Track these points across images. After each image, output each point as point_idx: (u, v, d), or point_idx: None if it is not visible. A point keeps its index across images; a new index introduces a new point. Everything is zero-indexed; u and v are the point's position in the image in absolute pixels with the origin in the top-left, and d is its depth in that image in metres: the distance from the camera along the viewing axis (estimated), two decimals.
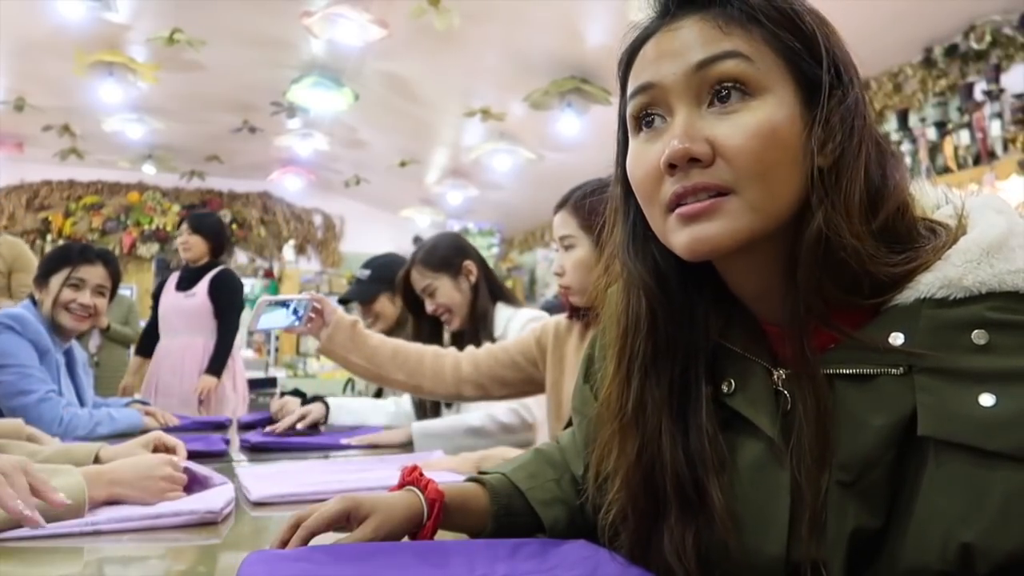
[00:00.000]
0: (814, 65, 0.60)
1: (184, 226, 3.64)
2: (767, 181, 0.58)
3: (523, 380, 1.71)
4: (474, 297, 2.05)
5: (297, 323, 1.62)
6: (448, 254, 2.08)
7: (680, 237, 0.60)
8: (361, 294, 2.50)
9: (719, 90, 0.59)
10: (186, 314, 3.54)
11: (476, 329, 2.02)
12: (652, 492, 0.66)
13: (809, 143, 0.59)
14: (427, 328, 2.13)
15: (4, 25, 4.31)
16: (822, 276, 0.58)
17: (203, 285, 3.57)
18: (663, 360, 0.66)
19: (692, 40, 0.60)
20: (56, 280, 2.09)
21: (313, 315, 1.64)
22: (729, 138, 0.58)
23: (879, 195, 0.59)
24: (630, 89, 0.64)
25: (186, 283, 3.58)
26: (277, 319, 1.63)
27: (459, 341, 2.06)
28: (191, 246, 3.56)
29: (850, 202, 0.58)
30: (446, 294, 2.05)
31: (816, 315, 0.59)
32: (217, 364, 3.46)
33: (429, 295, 2.07)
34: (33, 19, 4.35)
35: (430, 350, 1.73)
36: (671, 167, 0.59)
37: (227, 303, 3.57)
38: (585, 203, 1.48)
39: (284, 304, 1.64)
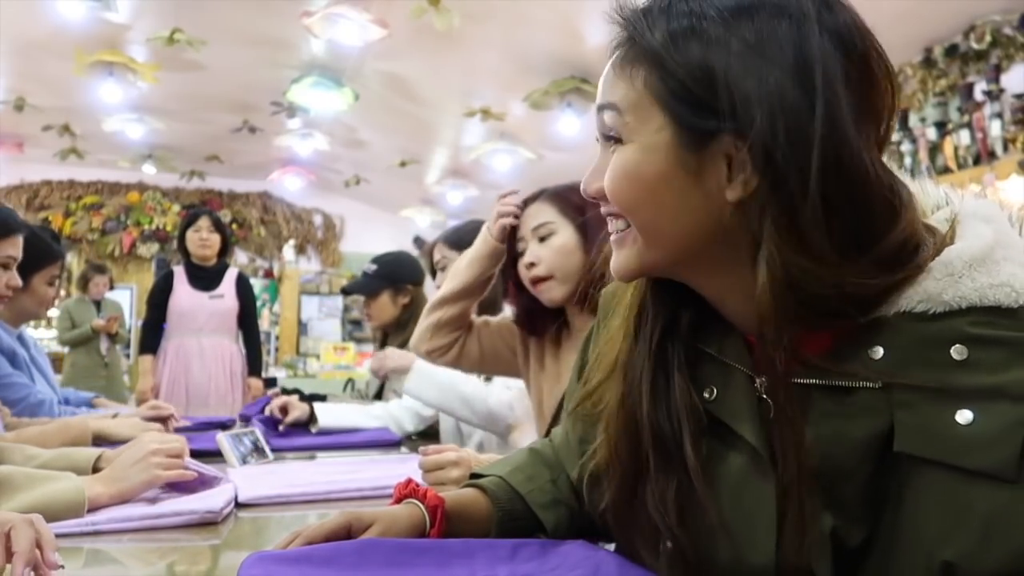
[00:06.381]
0: (704, 105, 0.57)
1: (204, 222, 3.52)
2: (646, 217, 0.61)
3: (509, 358, 1.65)
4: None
5: (269, 455, 1.56)
6: (471, 238, 2.08)
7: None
8: (364, 287, 2.48)
9: (604, 134, 0.64)
10: (217, 315, 3.56)
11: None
12: (634, 442, 0.66)
13: (705, 180, 0.58)
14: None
15: (4, 25, 4.31)
16: (789, 302, 0.55)
17: (228, 287, 3.57)
18: (654, 307, 0.68)
19: (602, 81, 0.64)
20: (40, 278, 2.01)
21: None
22: (605, 179, 0.63)
23: (850, 217, 0.55)
24: None
25: (204, 283, 3.54)
26: (248, 448, 1.53)
27: None
28: (212, 244, 3.53)
29: (795, 231, 0.55)
30: None
31: (787, 337, 0.56)
32: (259, 365, 3.69)
33: (442, 270, 2.02)
34: (33, 19, 4.35)
35: None
36: None
37: (252, 304, 3.72)
38: (561, 192, 1.46)
39: (238, 438, 1.54)
